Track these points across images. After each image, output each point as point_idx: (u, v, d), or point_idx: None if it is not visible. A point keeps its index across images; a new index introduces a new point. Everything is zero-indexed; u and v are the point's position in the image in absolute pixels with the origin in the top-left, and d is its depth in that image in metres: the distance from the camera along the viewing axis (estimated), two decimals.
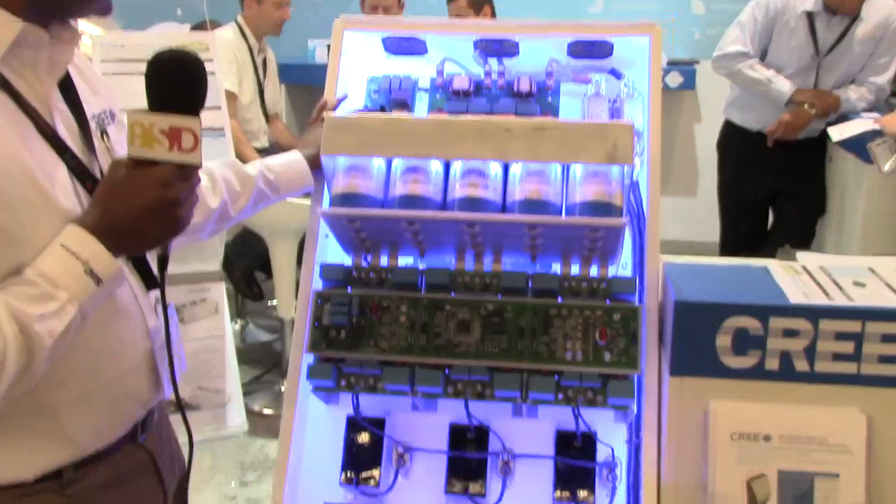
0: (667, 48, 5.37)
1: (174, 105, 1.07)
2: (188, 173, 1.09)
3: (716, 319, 1.34)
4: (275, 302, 3.78)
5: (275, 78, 4.47)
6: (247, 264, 4.03)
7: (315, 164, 1.59)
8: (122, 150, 1.11)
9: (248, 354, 4.00)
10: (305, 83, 5.59)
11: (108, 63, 1.65)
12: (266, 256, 3.63)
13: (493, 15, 4.43)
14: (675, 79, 5.32)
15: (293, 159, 1.61)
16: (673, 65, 5.38)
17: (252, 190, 1.53)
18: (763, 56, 3.61)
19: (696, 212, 5.30)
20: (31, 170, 1.05)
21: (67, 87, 1.18)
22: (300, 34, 5.68)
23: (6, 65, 1.05)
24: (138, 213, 1.07)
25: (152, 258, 1.22)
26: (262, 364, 3.96)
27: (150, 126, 1.05)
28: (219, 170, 1.49)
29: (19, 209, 1.03)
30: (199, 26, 4.23)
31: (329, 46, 4.79)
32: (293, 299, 3.47)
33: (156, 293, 1.22)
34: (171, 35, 1.75)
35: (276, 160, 1.61)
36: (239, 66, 4.05)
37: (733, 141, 3.85)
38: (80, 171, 1.13)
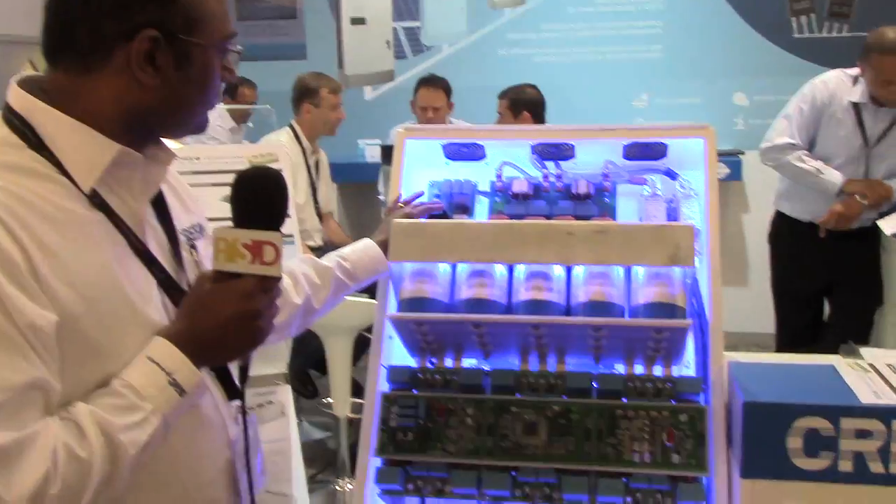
0: None
1: (256, 220, 1.12)
2: (269, 285, 1.13)
3: (786, 420, 1.33)
4: (329, 399, 3.79)
5: (327, 178, 4.58)
6: (301, 362, 4.06)
7: (388, 249, 1.62)
8: (209, 263, 1.15)
9: (302, 453, 3.98)
10: (356, 182, 5.72)
11: (184, 175, 1.72)
12: (320, 354, 3.66)
13: (535, 118, 4.51)
14: (720, 170, 5.34)
15: (366, 245, 1.66)
16: (718, 156, 5.41)
17: (331, 280, 1.57)
18: (811, 147, 3.63)
19: (748, 302, 5.23)
20: (123, 285, 1.10)
21: (159, 204, 1.24)
22: (350, 134, 5.82)
23: (103, 184, 1.11)
24: (221, 324, 1.11)
25: (233, 368, 1.25)
26: (316, 463, 3.94)
27: (234, 241, 1.10)
28: (298, 267, 1.54)
29: (110, 323, 1.07)
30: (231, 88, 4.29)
31: (381, 147, 4.89)
32: (348, 397, 3.48)
33: (237, 402, 1.25)
34: (243, 147, 1.83)
35: (349, 249, 1.66)
36: (293, 169, 4.17)
37: (785, 232, 3.83)
38: (168, 285, 1.18)
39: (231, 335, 1.12)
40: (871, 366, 1.49)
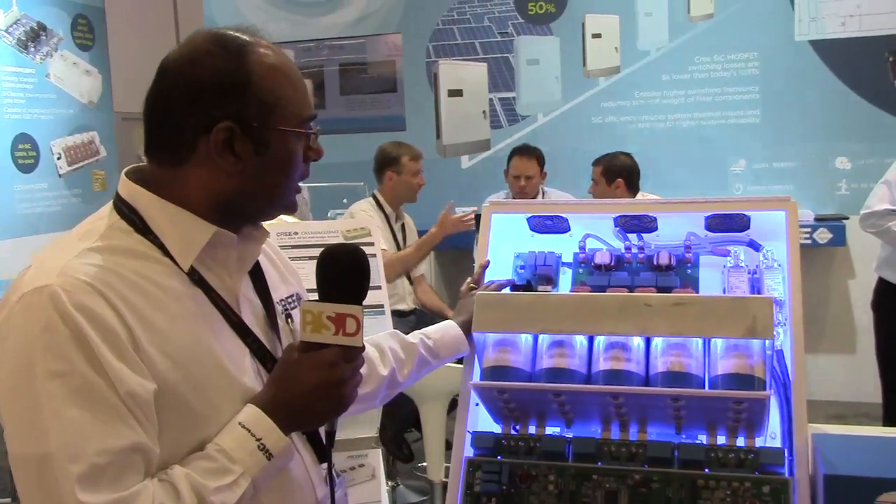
0: (813, 204, 5.35)
1: (340, 294, 1.20)
2: (352, 355, 1.21)
3: (868, 495, 1.32)
4: (424, 464, 3.84)
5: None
6: (397, 426, 4.13)
7: (468, 330, 1.69)
8: None
9: None
10: (451, 248, 5.83)
11: (284, 249, 1.84)
12: (416, 417, 3.73)
13: (629, 185, 4.54)
14: (823, 235, 5.24)
15: (448, 326, 1.73)
16: (821, 221, 5.31)
17: (415, 356, 1.65)
18: None
19: (855, 370, 5.08)
20: (218, 355, 1.19)
21: (257, 275, 1.34)
22: (447, 201, 5.97)
23: (201, 263, 1.22)
24: (307, 392, 1.19)
25: (322, 432, 1.34)
26: None
27: (319, 314, 1.19)
28: (385, 340, 1.63)
29: (205, 391, 1.17)
30: None
31: (475, 214, 4.99)
32: (443, 461, 3.53)
33: (325, 465, 1.33)
34: (338, 222, 1.95)
35: (432, 329, 1.73)
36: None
37: (889, 299, 3.74)
38: (261, 354, 1.27)
39: (316, 402, 1.20)
40: None
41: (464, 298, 1.81)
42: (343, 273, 1.22)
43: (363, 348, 1.22)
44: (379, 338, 1.62)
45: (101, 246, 1.15)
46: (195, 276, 1.21)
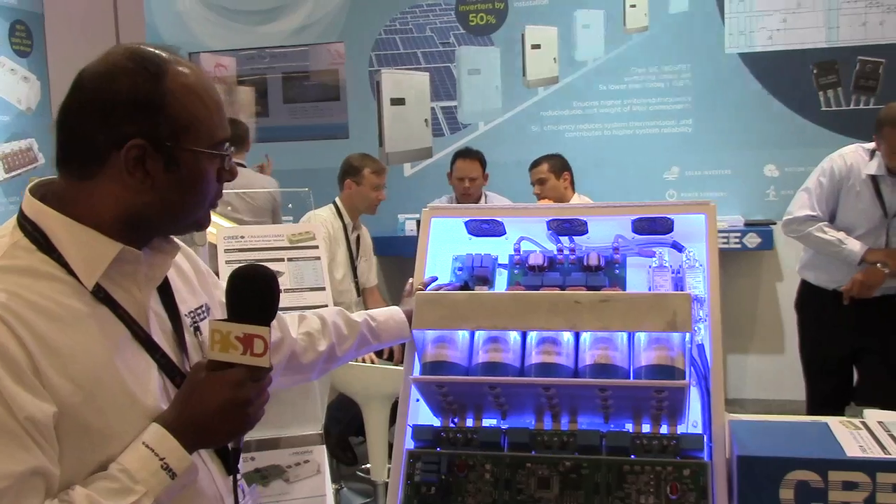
0: (743, 210, 5.55)
1: (249, 315, 1.22)
2: (259, 375, 1.23)
3: (777, 473, 1.43)
4: (368, 465, 3.91)
5: (369, 254, 4.74)
6: (341, 430, 4.19)
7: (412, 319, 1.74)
8: None
9: None
10: (396, 255, 5.91)
11: (230, 252, 1.90)
12: (360, 420, 3.79)
13: (572, 181, 4.75)
14: (752, 240, 5.44)
15: (394, 311, 1.80)
16: (750, 226, 5.52)
17: (357, 334, 1.71)
18: (832, 219, 3.73)
19: (783, 370, 5.28)
20: (122, 375, 1.18)
21: (165, 290, 1.32)
22: (390, 209, 6.04)
23: (108, 278, 1.20)
24: (212, 412, 1.20)
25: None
26: None
27: (228, 333, 1.20)
28: (329, 316, 1.68)
29: (108, 412, 1.16)
30: None
31: (417, 221, 5.08)
32: (386, 463, 3.60)
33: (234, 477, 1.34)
34: (284, 227, 2.01)
35: (378, 311, 1.80)
36: (331, 242, 4.35)
37: (810, 300, 3.92)
38: (169, 369, 1.27)
39: (221, 422, 1.22)
40: (863, 423, 1.59)
41: (408, 297, 1.89)
42: (253, 294, 1.24)
43: (271, 368, 1.24)
44: (324, 312, 1.68)
45: (2, 266, 1.15)
46: (101, 294, 1.20)
